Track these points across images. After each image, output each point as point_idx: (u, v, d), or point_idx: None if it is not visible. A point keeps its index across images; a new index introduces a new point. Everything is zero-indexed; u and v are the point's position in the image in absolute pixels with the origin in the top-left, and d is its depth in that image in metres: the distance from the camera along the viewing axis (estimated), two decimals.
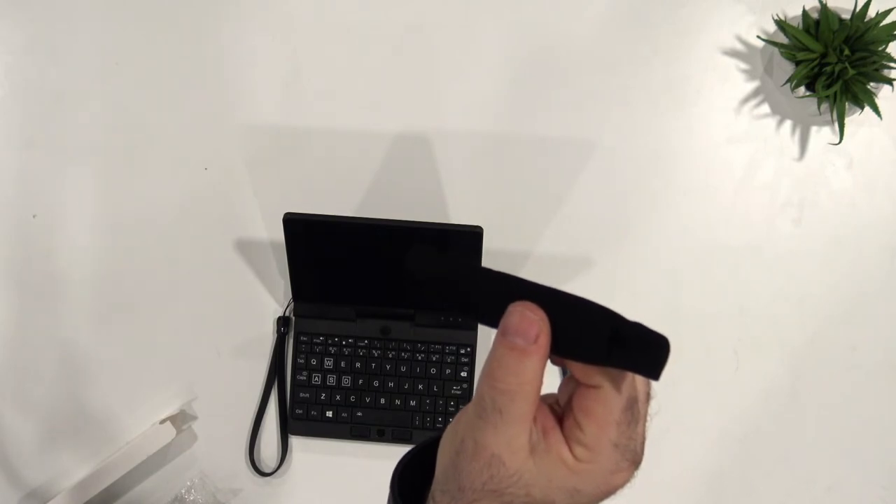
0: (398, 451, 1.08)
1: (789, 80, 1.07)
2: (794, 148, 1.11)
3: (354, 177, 1.11)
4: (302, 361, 1.07)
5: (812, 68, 1.05)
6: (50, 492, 1.08)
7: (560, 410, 0.52)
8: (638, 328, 0.47)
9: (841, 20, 1.07)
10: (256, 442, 1.09)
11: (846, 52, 1.03)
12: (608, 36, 1.12)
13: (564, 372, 1.10)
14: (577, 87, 1.12)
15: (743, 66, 1.12)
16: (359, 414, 1.07)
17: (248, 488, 1.08)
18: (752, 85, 1.11)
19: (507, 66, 1.12)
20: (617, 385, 0.49)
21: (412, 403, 1.07)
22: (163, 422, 1.04)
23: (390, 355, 1.07)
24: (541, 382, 0.49)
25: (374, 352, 1.07)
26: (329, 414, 1.07)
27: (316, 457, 1.08)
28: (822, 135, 1.11)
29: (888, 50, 1.07)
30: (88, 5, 1.14)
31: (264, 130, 1.12)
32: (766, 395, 1.09)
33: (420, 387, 1.07)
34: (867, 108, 1.07)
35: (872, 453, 1.08)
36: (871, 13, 1.06)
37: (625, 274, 1.10)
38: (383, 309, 1.07)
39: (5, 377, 1.09)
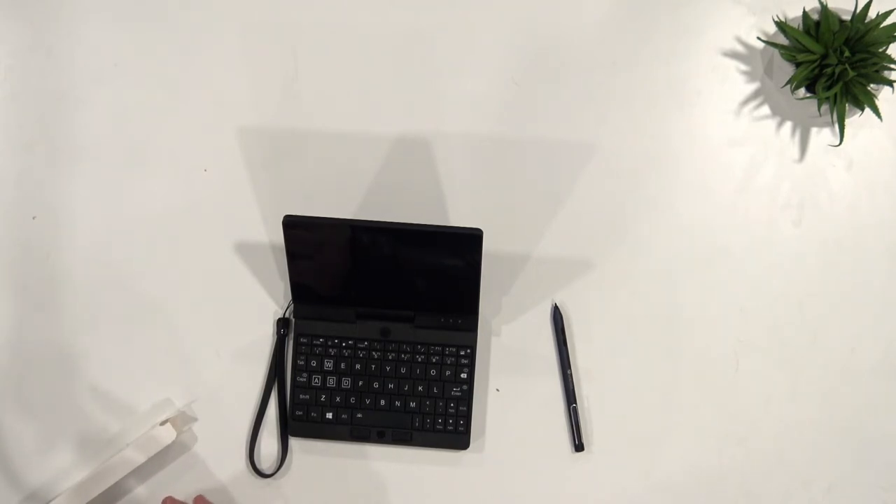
0: (398, 453, 1.09)
1: (789, 82, 1.07)
2: (795, 149, 1.11)
3: (354, 179, 1.11)
4: (302, 363, 1.07)
5: (812, 70, 1.05)
6: (50, 493, 1.08)
7: None
8: None
9: (841, 21, 1.07)
10: (256, 443, 1.09)
11: (846, 53, 1.03)
12: (608, 37, 1.12)
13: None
14: (577, 88, 1.12)
15: (743, 67, 1.12)
16: (359, 415, 1.07)
17: (249, 490, 1.08)
18: (752, 86, 1.11)
19: (506, 68, 1.12)
20: None
21: (412, 405, 1.07)
22: (163, 423, 1.04)
23: (390, 357, 1.07)
24: None
25: (373, 353, 1.07)
26: (329, 415, 1.07)
27: (316, 458, 1.08)
28: (822, 136, 1.11)
29: (888, 51, 1.07)
30: (88, 6, 1.13)
31: (264, 132, 1.12)
32: (766, 395, 1.09)
33: (420, 388, 1.07)
34: (867, 110, 1.07)
35: (872, 453, 1.08)
36: (872, 14, 1.06)
37: (625, 275, 1.10)
38: (383, 311, 1.07)
39: (5, 378, 1.10)
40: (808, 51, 1.05)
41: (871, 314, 1.10)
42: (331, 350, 1.07)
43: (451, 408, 1.07)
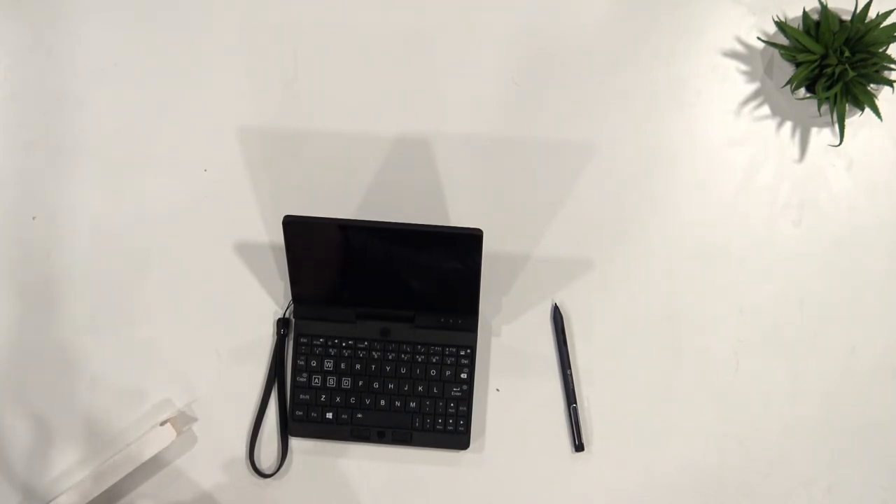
0: (398, 453, 1.09)
1: (789, 82, 1.07)
2: (795, 149, 1.11)
3: (354, 179, 1.11)
4: (302, 363, 1.07)
5: (812, 70, 1.05)
6: (50, 494, 1.08)
7: None
8: None
9: (841, 21, 1.07)
10: (256, 443, 1.09)
11: (846, 53, 1.03)
12: (608, 37, 1.12)
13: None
14: (577, 88, 1.12)
15: (743, 67, 1.12)
16: (359, 415, 1.07)
17: (249, 490, 1.08)
18: (752, 86, 1.11)
19: (507, 68, 1.12)
20: None
21: (412, 405, 1.07)
22: (163, 423, 1.04)
23: (390, 357, 1.07)
24: None
25: (374, 353, 1.07)
26: (329, 415, 1.07)
27: (316, 458, 1.08)
28: (822, 136, 1.11)
29: (888, 51, 1.07)
30: (88, 6, 1.13)
31: (264, 132, 1.12)
32: (766, 395, 1.09)
33: (420, 388, 1.07)
34: (867, 110, 1.07)
35: (872, 453, 1.08)
36: (872, 14, 1.06)
37: (625, 275, 1.10)
38: (383, 311, 1.07)
39: (5, 378, 1.10)
40: (808, 51, 1.05)
41: (871, 314, 1.10)
42: (331, 350, 1.07)
43: (451, 408, 1.07)
